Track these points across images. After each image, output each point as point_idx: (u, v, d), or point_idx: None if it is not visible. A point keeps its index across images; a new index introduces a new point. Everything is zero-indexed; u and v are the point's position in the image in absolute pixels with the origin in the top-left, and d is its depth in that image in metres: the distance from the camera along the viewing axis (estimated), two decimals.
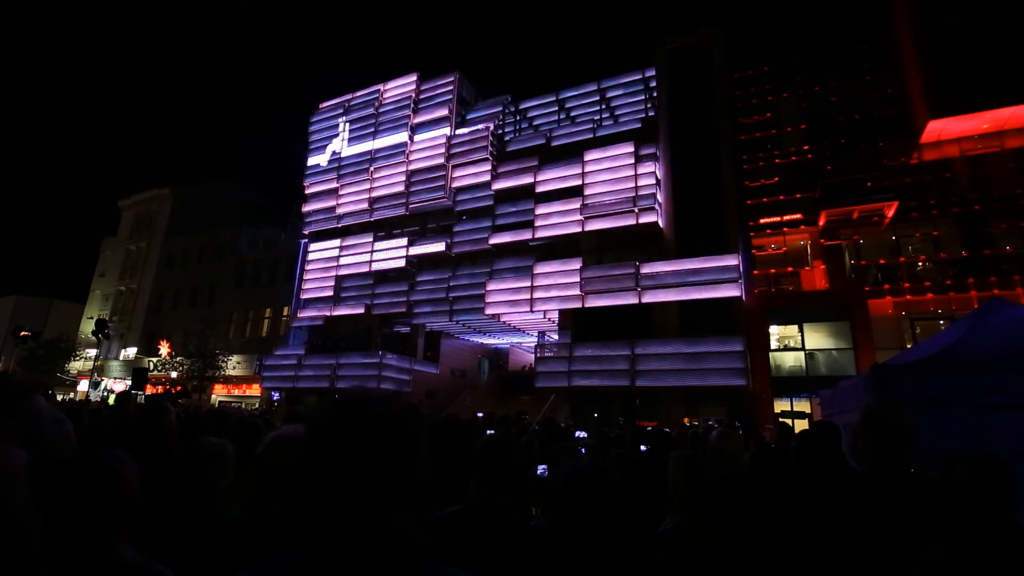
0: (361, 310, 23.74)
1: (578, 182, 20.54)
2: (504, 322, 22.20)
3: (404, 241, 23.78)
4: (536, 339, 22.39)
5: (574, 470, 1.60)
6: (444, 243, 22.71)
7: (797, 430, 5.97)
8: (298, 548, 0.86)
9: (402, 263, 23.60)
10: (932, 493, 1.86)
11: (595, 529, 1.48)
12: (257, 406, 23.67)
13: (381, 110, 26.61)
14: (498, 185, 22.35)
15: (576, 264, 19.64)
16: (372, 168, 25.77)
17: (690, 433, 7.08)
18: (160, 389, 25.17)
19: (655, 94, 21.64)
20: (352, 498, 0.82)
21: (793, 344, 17.11)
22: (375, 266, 24.23)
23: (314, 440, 0.87)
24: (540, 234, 20.80)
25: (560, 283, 19.68)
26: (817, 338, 16.77)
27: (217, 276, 31.81)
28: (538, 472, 3.60)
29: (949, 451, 2.23)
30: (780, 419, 15.35)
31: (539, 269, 20.23)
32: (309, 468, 0.85)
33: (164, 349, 29.43)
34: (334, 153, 27.46)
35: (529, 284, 20.15)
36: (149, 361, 29.55)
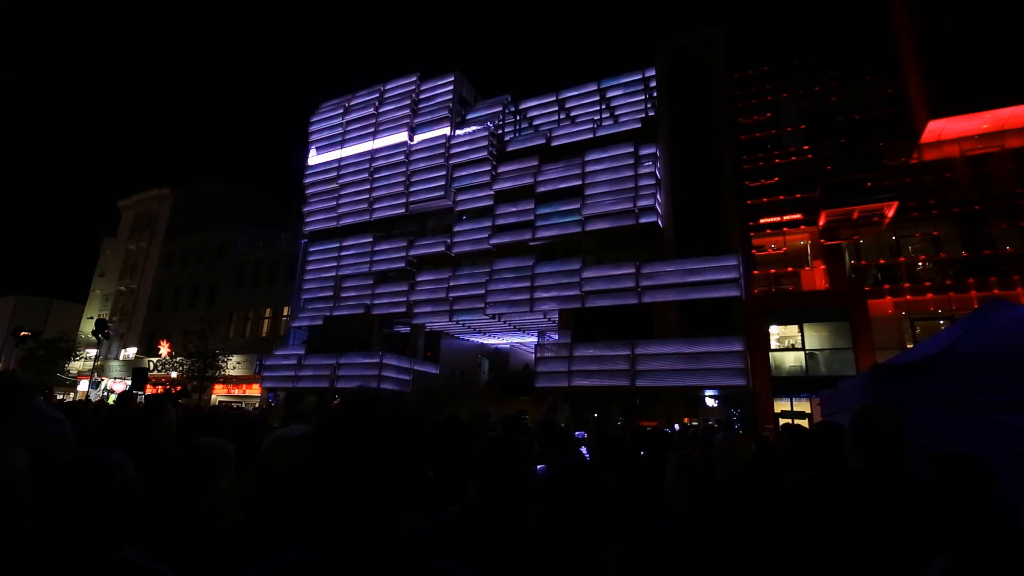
0: (361, 310, 23.73)
1: (578, 182, 20.53)
2: (504, 322, 22.20)
3: (404, 241, 23.78)
4: (536, 339, 22.38)
5: (557, 469, 1.61)
6: (444, 243, 22.71)
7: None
8: (306, 546, 0.86)
9: (402, 263, 23.60)
10: (919, 493, 1.86)
11: (575, 526, 1.49)
12: (257, 406, 23.67)
13: (381, 110, 26.60)
14: (498, 185, 22.35)
15: (576, 264, 19.65)
16: (372, 168, 25.77)
17: (689, 433, 7.10)
18: (160, 389, 25.17)
19: (655, 94, 21.64)
20: (362, 497, 0.82)
21: (793, 344, 17.10)
22: (375, 266, 24.24)
23: (325, 439, 0.87)
24: (540, 234, 20.81)
25: (560, 283, 19.68)
26: (817, 338, 16.76)
27: (217, 276, 31.79)
28: (537, 472, 3.60)
29: (943, 451, 2.23)
30: (780, 419, 15.36)
31: (539, 269, 20.23)
32: (319, 467, 0.85)
33: (164, 349, 29.41)
34: (334, 153, 27.46)
35: (529, 284, 20.15)
36: (149, 361, 29.54)
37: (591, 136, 21.43)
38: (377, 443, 0.85)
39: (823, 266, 17.68)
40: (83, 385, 32.24)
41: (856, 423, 2.07)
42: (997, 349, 4.20)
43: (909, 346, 14.52)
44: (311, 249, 26.58)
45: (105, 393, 28.35)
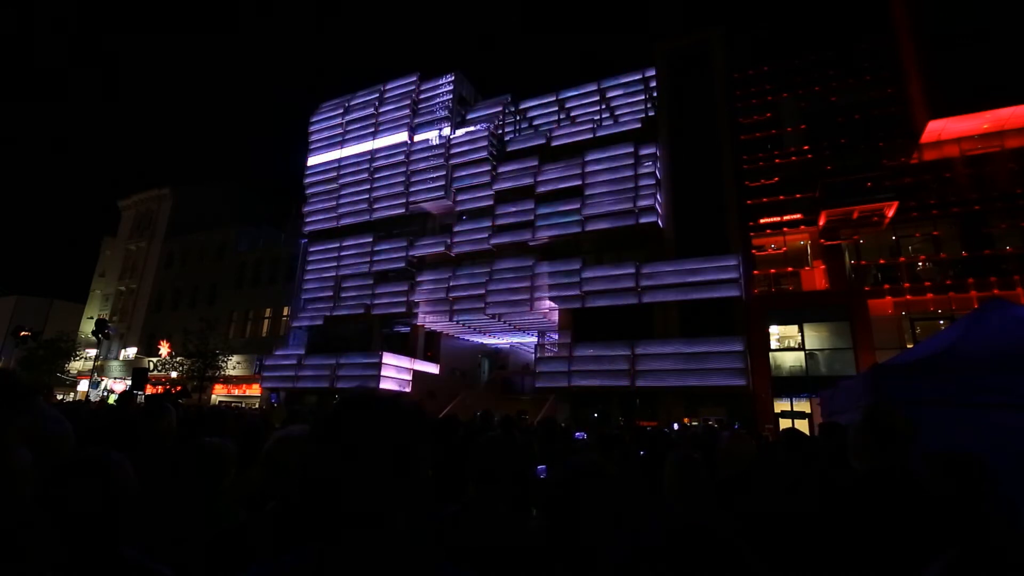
0: (361, 310, 23.73)
1: (578, 182, 20.53)
2: (504, 322, 22.20)
3: (404, 241, 23.78)
4: (536, 339, 22.38)
5: (569, 467, 1.60)
6: (444, 243, 22.72)
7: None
8: (307, 547, 0.86)
9: (402, 263, 23.60)
10: (927, 493, 1.86)
11: (587, 526, 1.48)
12: (257, 406, 23.66)
13: (381, 110, 26.61)
14: (498, 185, 22.34)
15: (576, 264, 19.65)
16: (372, 168, 25.77)
17: (690, 433, 7.10)
18: (160, 389, 25.16)
19: (655, 94, 21.64)
20: (357, 498, 0.82)
21: (793, 344, 17.10)
22: (375, 266, 24.24)
23: (319, 439, 0.87)
24: (540, 234, 20.80)
25: (560, 283, 19.68)
26: (817, 338, 16.76)
27: (217, 276, 31.79)
28: (538, 472, 3.60)
29: (943, 451, 2.23)
30: (780, 420, 15.34)
31: (539, 269, 20.22)
32: (315, 467, 0.85)
33: (164, 349, 29.41)
34: (334, 153, 27.46)
35: (529, 284, 20.15)
36: (149, 361, 29.53)
37: (591, 136, 21.43)
38: (374, 443, 0.85)
39: (823, 266, 17.68)
40: (83, 385, 32.24)
41: (871, 423, 2.05)
42: (997, 349, 4.20)
43: (909, 346, 14.51)
44: (311, 249, 26.58)
45: (105, 393, 28.36)
